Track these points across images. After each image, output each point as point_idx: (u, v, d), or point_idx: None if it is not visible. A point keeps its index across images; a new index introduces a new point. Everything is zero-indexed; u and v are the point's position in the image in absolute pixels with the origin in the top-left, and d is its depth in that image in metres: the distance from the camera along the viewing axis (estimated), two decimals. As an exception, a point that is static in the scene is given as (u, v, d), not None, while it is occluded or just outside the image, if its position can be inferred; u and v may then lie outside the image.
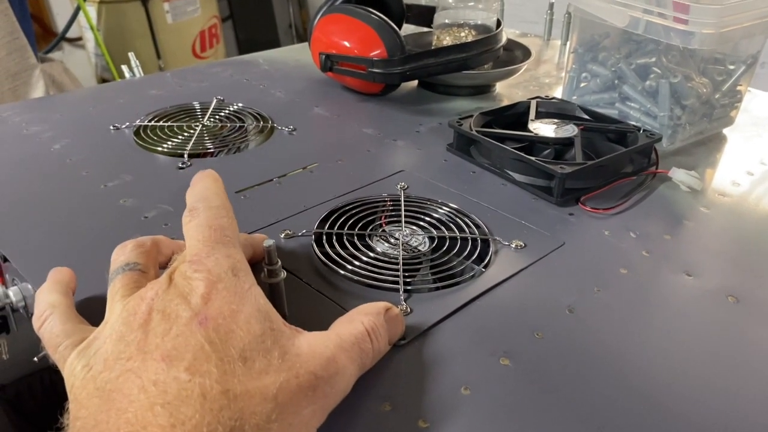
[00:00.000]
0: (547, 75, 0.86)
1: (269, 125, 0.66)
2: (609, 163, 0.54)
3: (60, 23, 2.52)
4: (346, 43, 0.70)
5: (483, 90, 0.77)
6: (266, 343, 0.28)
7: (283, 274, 0.37)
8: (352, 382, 0.31)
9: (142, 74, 0.87)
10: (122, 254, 0.34)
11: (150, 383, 0.25)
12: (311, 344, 0.29)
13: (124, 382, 0.25)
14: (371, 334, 0.32)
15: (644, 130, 0.58)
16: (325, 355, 0.29)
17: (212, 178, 0.36)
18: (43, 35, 2.57)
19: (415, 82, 0.80)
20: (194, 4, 2.43)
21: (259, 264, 0.37)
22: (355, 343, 0.31)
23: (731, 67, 0.63)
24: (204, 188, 0.35)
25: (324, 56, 0.71)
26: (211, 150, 0.61)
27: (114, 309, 0.30)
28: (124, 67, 0.91)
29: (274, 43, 2.75)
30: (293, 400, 0.27)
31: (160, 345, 0.26)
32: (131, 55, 0.94)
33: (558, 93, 0.73)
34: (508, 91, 0.80)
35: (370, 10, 0.70)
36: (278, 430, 0.26)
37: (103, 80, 2.38)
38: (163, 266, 0.37)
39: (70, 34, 2.42)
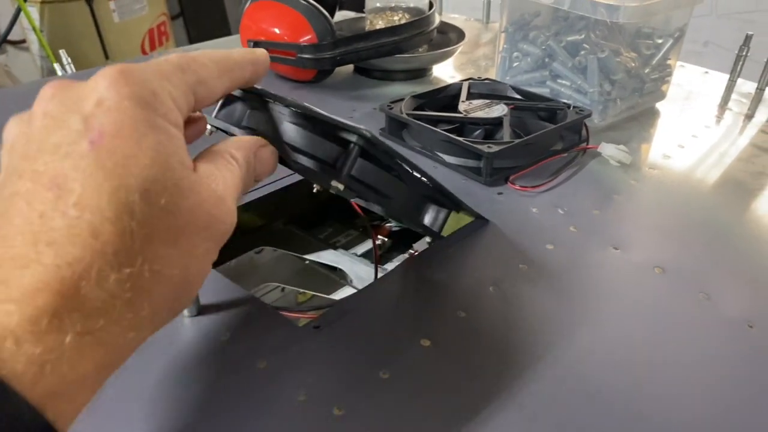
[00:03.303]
0: (485, 58, 0.85)
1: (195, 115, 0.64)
2: (537, 140, 0.54)
3: (2, 25, 2.44)
4: (276, 30, 0.68)
5: (419, 74, 0.76)
6: (174, 178, 0.24)
7: None
8: (235, 220, 0.28)
9: (74, 71, 0.84)
10: None
11: (36, 215, 0.22)
12: (206, 182, 0.26)
13: (10, 206, 0.22)
14: (248, 171, 0.29)
15: (574, 107, 0.58)
16: (216, 194, 0.26)
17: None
18: (-15, 38, 2.48)
19: (351, 69, 0.79)
20: (141, 2, 2.37)
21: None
22: (236, 180, 0.28)
23: (659, 41, 0.63)
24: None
25: (252, 43, 0.69)
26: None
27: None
28: (57, 66, 0.88)
29: (226, 40, 2.71)
30: (192, 241, 0.25)
31: (49, 165, 0.22)
32: (62, 53, 0.91)
33: (494, 75, 0.73)
34: (444, 74, 0.79)
35: (301, -5, 0.69)
36: (176, 274, 0.24)
37: (49, 83, 2.31)
38: None
39: (13, 37, 2.34)
